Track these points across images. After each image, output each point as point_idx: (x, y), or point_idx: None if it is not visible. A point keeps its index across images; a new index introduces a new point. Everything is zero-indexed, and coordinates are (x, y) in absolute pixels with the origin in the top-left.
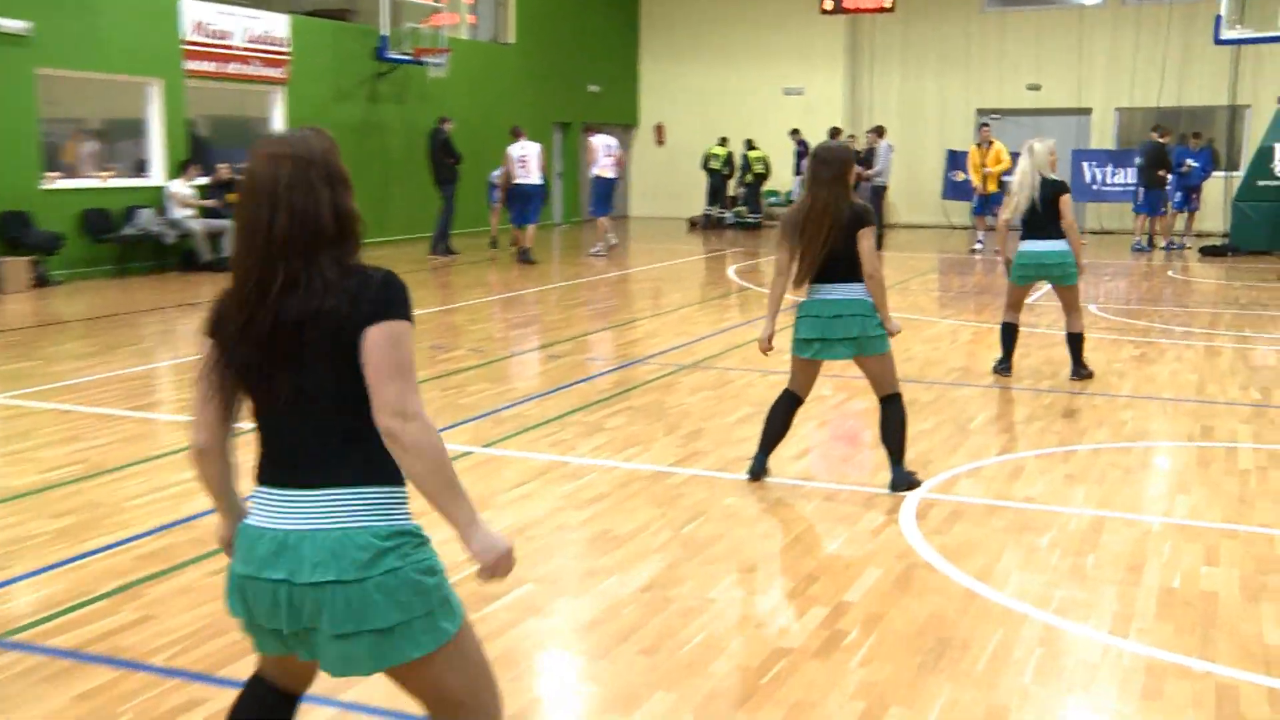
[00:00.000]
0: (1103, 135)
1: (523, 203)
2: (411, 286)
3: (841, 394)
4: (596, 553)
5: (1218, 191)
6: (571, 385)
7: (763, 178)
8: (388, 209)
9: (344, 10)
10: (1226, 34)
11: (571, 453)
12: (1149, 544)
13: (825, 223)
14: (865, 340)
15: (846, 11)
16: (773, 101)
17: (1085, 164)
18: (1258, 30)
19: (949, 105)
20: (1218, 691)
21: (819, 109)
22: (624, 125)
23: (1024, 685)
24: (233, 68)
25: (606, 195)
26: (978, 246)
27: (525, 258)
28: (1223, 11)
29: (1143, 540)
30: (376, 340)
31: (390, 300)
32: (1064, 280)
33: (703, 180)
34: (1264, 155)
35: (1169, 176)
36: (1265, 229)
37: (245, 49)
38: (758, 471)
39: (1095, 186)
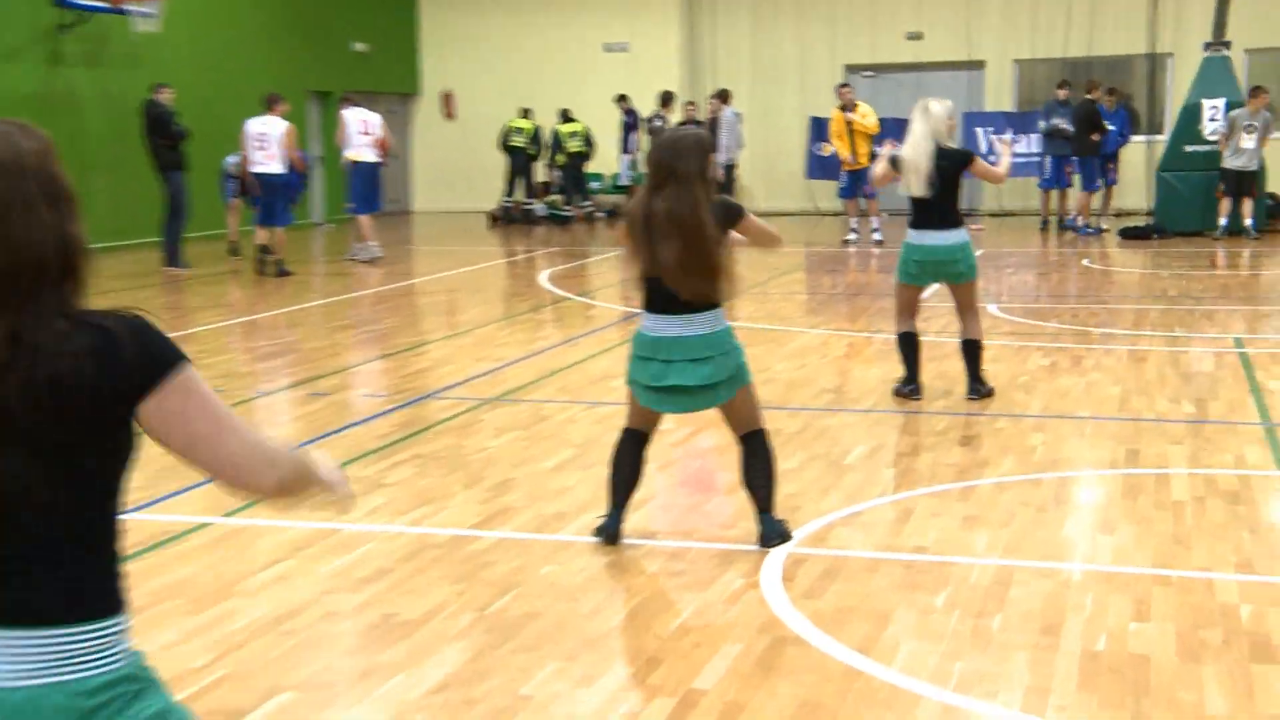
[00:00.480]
0: (999, 94)
1: (268, 197)
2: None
3: (686, 427)
4: (376, 646)
5: (1139, 160)
6: (340, 431)
7: (582, 158)
8: (86, 207)
9: None
10: None
11: (342, 518)
12: (1068, 598)
13: (675, 236)
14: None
15: None
16: (591, 61)
17: (980, 129)
18: None
19: (812, 62)
20: None
21: (649, 70)
22: (401, 94)
23: None
24: None
25: (367, 185)
26: (851, 237)
27: (275, 269)
28: None
29: (1060, 593)
30: (175, 407)
31: (156, 351)
32: (962, 277)
33: (503, 163)
34: (1190, 114)
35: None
36: (1195, 204)
37: None
38: (611, 531)
39: (992, 157)
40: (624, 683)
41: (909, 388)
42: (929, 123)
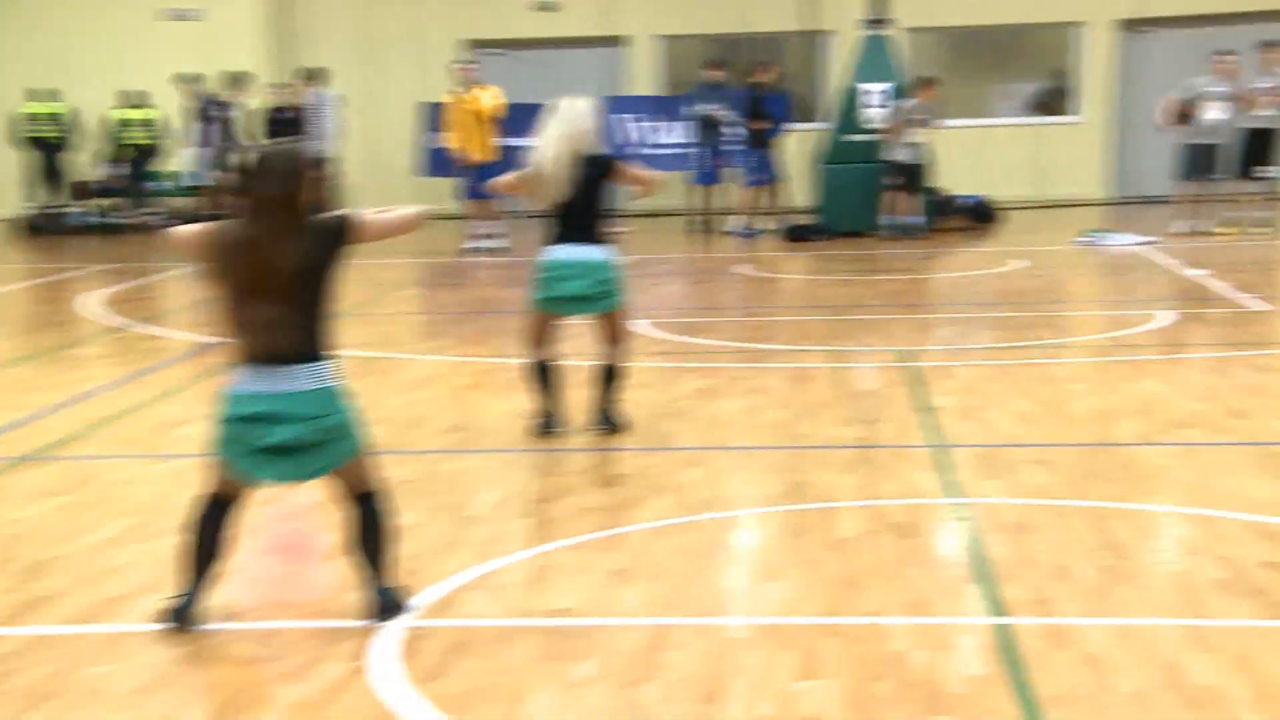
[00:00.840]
0: (644, 76)
1: None
2: None
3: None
4: None
5: (800, 151)
6: None
7: (147, 152)
8: None
9: None
10: None
11: None
12: (730, 658)
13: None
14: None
15: None
16: (150, 30)
17: (625, 117)
18: None
19: (425, 37)
20: None
21: (225, 42)
22: None
23: None
24: None
25: None
26: (474, 245)
27: None
28: None
29: (721, 653)
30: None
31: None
32: (601, 305)
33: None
34: (850, 100)
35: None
36: (858, 201)
37: None
38: (185, 613)
39: (642, 150)
40: None
41: (545, 423)
42: (564, 125)
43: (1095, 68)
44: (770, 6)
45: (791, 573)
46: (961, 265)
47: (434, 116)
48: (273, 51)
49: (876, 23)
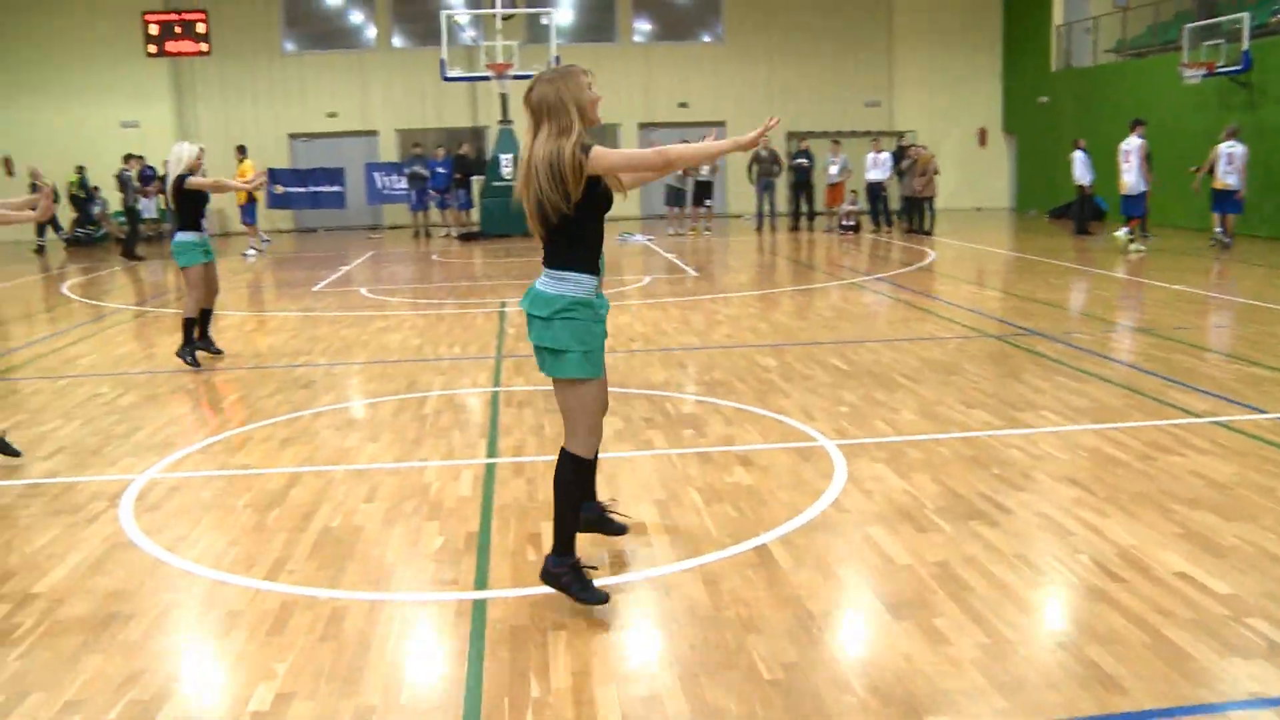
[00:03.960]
0: (387, 151)
1: None
2: None
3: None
4: None
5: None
6: None
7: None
8: None
9: None
10: (450, 73)
11: None
12: (329, 491)
13: None
14: None
15: (169, 54)
16: (112, 134)
17: (376, 174)
18: (467, 71)
19: (263, 131)
20: (331, 614)
21: (152, 139)
22: None
23: (176, 643)
24: None
25: None
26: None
27: None
28: (444, 57)
29: (325, 489)
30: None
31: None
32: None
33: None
34: (495, 163)
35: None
36: (501, 217)
37: None
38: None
39: (384, 190)
40: None
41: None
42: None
43: None
44: (454, 111)
45: (385, 436)
46: None
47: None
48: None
49: (505, 122)
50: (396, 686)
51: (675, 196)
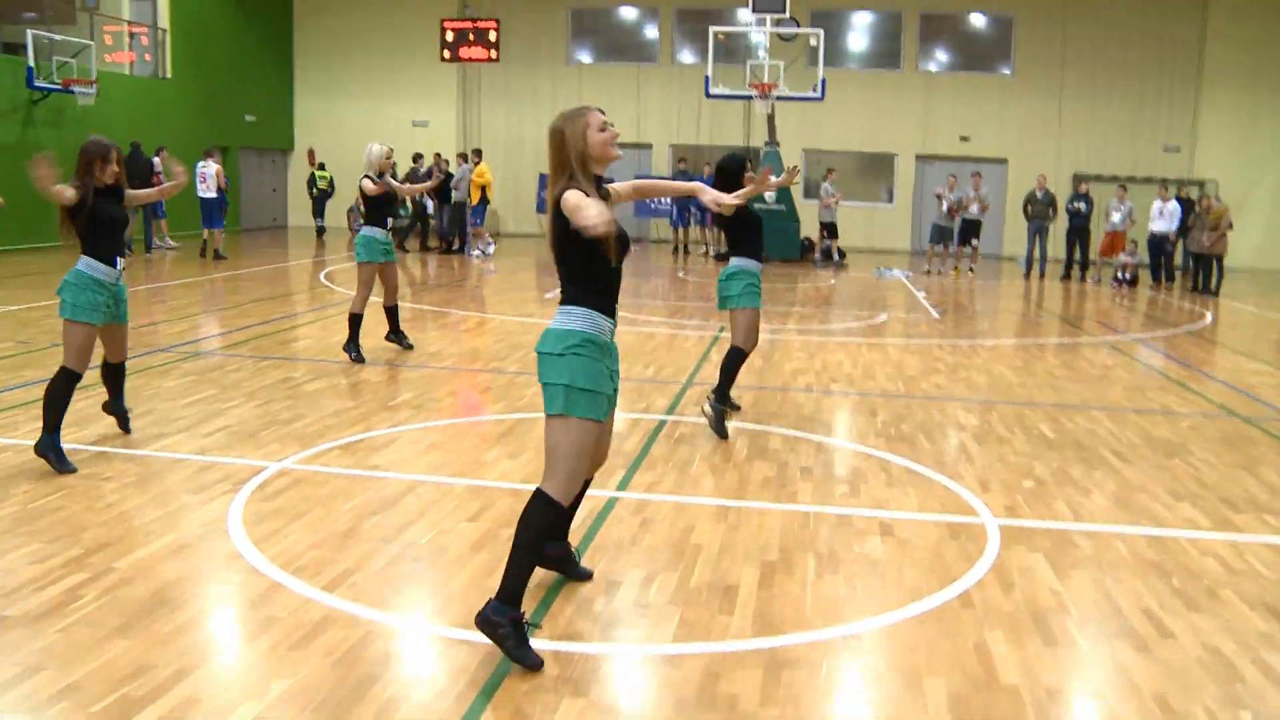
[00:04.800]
0: (660, 164)
1: (205, 211)
2: None
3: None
4: None
5: None
6: None
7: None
8: (46, 219)
9: None
10: (714, 90)
11: None
12: (439, 504)
13: None
14: None
15: (461, 60)
16: (405, 131)
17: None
18: (731, 90)
19: (541, 138)
20: (362, 637)
21: (438, 137)
22: (281, 149)
23: (200, 642)
24: None
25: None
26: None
27: (214, 256)
28: (709, 73)
29: (437, 501)
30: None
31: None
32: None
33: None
34: None
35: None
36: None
37: None
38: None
39: (651, 205)
40: (64, 561)
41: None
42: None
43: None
44: (728, 130)
45: (523, 453)
46: (801, 277)
47: (544, 181)
48: (463, 143)
49: (771, 143)
50: None
51: (940, 234)
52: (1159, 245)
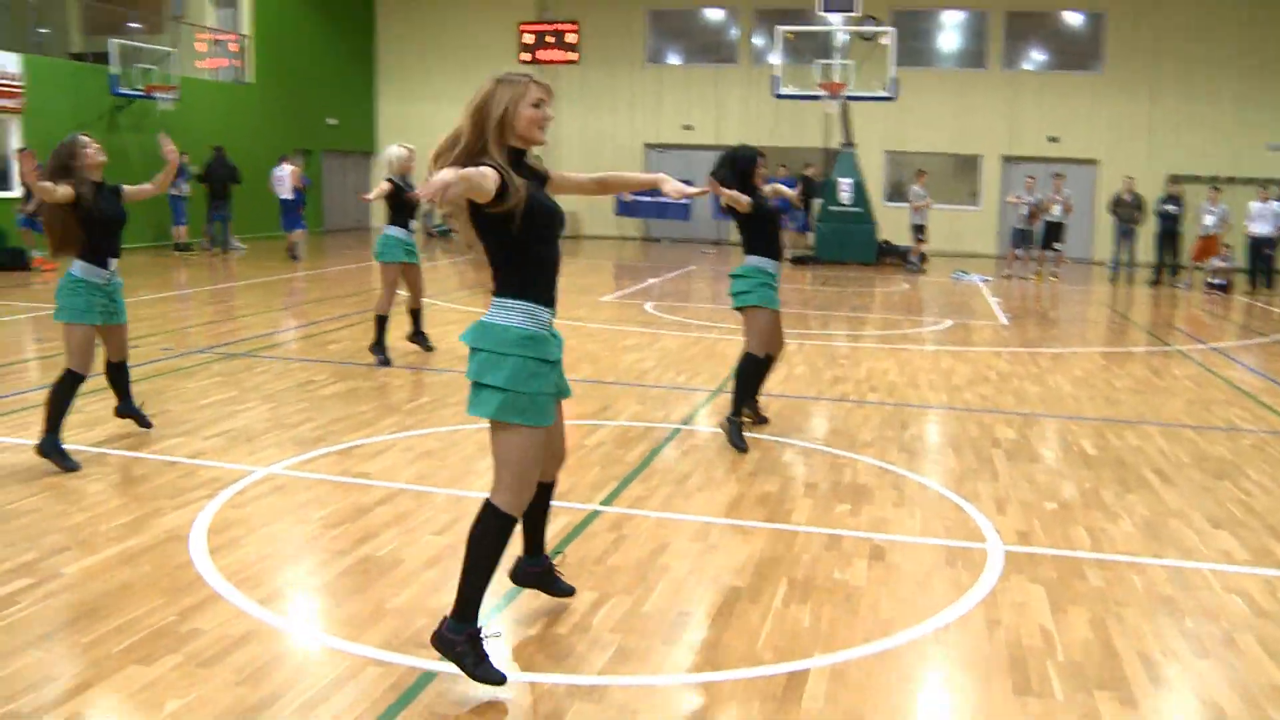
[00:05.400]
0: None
1: (284, 212)
2: None
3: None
4: None
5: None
6: None
7: None
8: (134, 222)
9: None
10: (782, 90)
11: None
12: (414, 515)
13: None
14: None
15: (540, 62)
16: None
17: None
18: (800, 89)
19: (620, 139)
20: (276, 656)
21: None
22: (363, 152)
23: (111, 656)
24: None
25: (289, 210)
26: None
27: (291, 255)
28: (778, 74)
29: (412, 512)
30: None
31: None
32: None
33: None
34: (832, 186)
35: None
36: (836, 243)
37: None
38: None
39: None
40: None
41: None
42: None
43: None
44: (808, 131)
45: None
46: (875, 281)
47: None
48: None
49: (847, 145)
50: None
51: (1021, 238)
52: (1258, 248)
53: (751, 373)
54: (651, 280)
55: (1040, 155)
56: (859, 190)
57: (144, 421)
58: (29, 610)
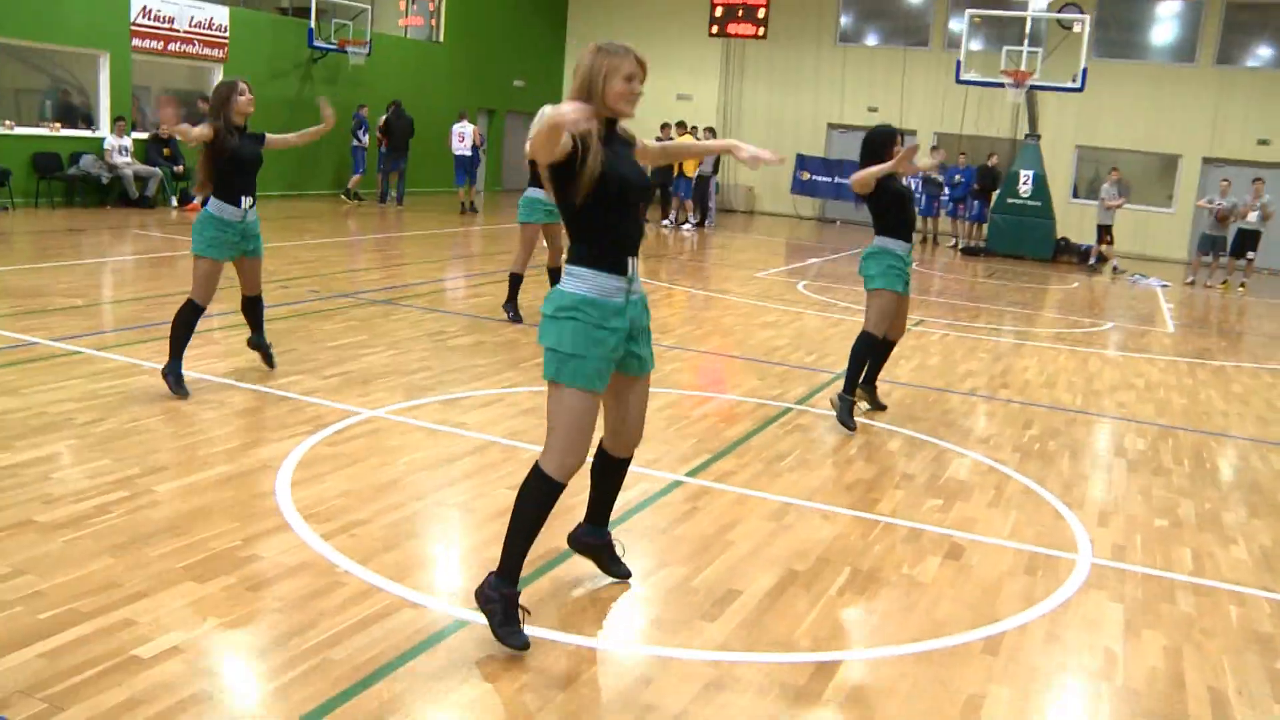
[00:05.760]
0: (922, 152)
1: (461, 168)
2: None
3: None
4: None
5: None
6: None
7: None
8: (315, 169)
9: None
10: (964, 76)
11: None
12: (495, 469)
13: None
14: None
15: (728, 35)
16: (669, 104)
17: (909, 179)
18: (982, 75)
19: (802, 118)
20: (263, 581)
21: (702, 112)
22: None
23: (156, 574)
24: (175, 46)
25: (460, 168)
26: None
27: (471, 208)
28: (961, 58)
29: (495, 465)
30: None
31: None
32: None
33: None
34: (1013, 178)
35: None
36: (1011, 235)
37: (188, 32)
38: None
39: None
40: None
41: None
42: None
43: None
44: (996, 119)
45: None
46: (1045, 278)
47: (801, 162)
48: (722, 118)
49: (1031, 136)
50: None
51: (1210, 244)
52: None
53: (864, 352)
54: (812, 260)
55: (1246, 159)
56: (1039, 183)
57: (269, 358)
58: (116, 521)
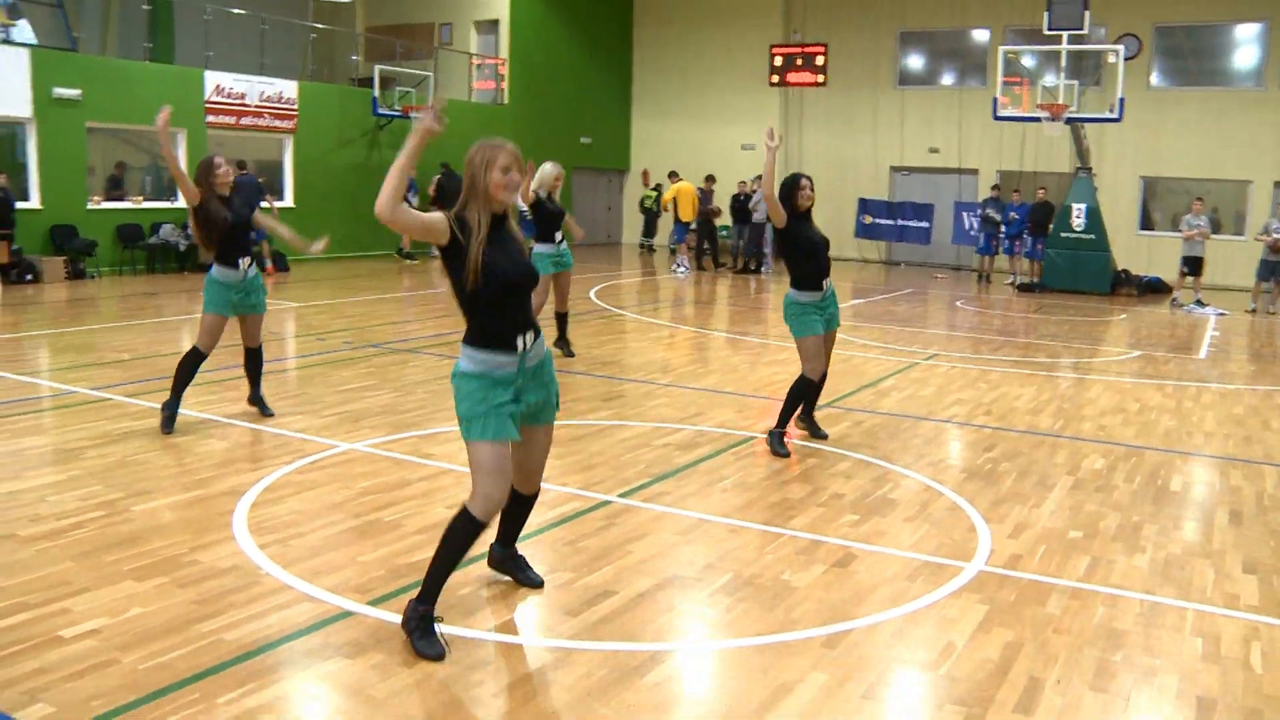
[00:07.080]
0: (985, 190)
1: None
2: None
3: None
4: None
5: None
6: None
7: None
8: (378, 232)
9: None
10: (1001, 112)
11: None
12: (448, 494)
13: None
14: None
15: (788, 84)
16: (734, 155)
17: (964, 213)
18: (1017, 110)
19: (863, 161)
20: (221, 589)
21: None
22: (617, 170)
23: (124, 588)
24: (247, 120)
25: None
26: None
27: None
28: (997, 95)
29: (448, 490)
30: None
31: None
32: None
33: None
34: (1065, 212)
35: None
36: (1066, 271)
37: (258, 106)
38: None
39: (970, 231)
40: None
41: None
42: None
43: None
44: (1056, 156)
45: (575, 455)
46: (1097, 311)
47: (864, 205)
48: (783, 166)
49: (1083, 169)
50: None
51: (1269, 270)
52: None
53: (798, 394)
54: (856, 300)
55: None
56: (1093, 216)
57: (265, 410)
58: (87, 534)
